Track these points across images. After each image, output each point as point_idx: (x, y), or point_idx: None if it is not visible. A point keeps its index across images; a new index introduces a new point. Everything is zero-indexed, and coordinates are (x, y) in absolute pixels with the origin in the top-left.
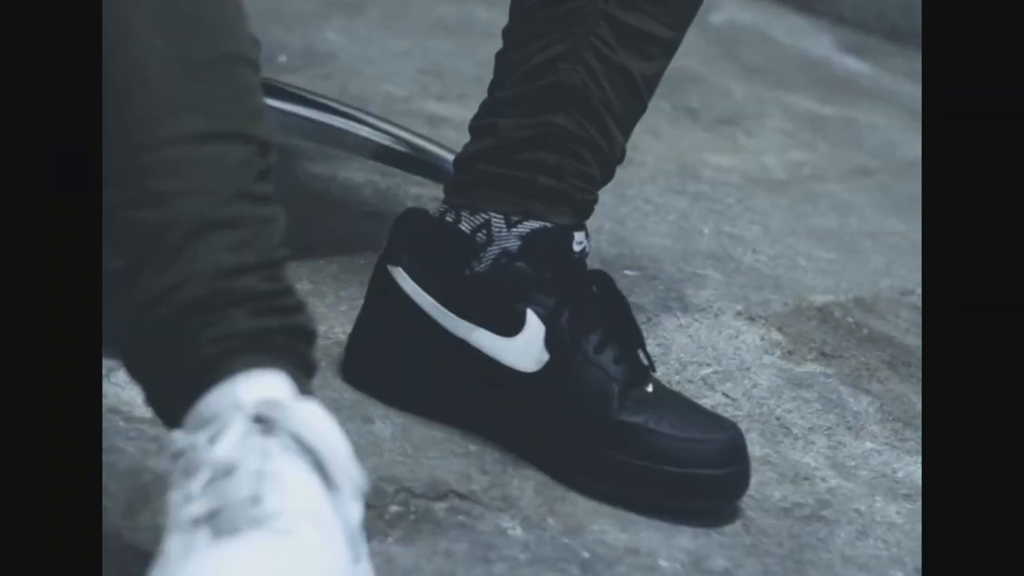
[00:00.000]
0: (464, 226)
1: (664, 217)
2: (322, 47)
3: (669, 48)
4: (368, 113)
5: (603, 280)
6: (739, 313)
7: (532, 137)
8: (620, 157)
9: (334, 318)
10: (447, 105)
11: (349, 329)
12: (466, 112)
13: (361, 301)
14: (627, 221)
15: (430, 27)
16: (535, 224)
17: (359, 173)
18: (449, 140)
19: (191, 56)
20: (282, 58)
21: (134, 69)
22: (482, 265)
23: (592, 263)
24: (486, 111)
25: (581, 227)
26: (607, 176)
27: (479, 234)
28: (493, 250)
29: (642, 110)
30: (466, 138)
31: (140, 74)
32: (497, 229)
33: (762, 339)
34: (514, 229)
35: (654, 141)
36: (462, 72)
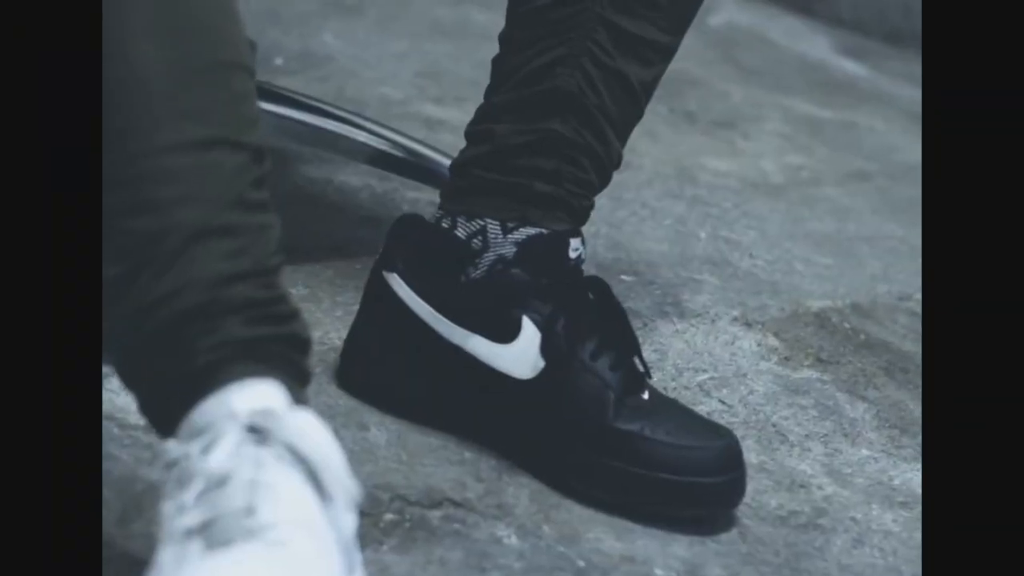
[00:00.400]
0: (460, 232)
1: (661, 222)
2: (319, 49)
3: (667, 53)
4: (364, 117)
5: (599, 287)
6: (735, 319)
7: (529, 143)
8: (617, 163)
9: (329, 323)
10: (444, 108)
11: (345, 335)
12: (463, 115)
13: (357, 306)
14: (624, 226)
15: (427, 29)
16: (531, 230)
17: (355, 177)
18: (446, 144)
19: (188, 62)
20: (279, 60)
21: (131, 76)
22: (478, 271)
23: (588, 268)
24: (482, 116)
25: (577, 233)
26: (604, 182)
27: (475, 240)
28: (489, 256)
29: (639, 115)
30: (463, 142)
31: (137, 81)
32: (493, 235)
33: (759, 345)
34: (510, 235)
35: (652, 144)
36: (459, 75)
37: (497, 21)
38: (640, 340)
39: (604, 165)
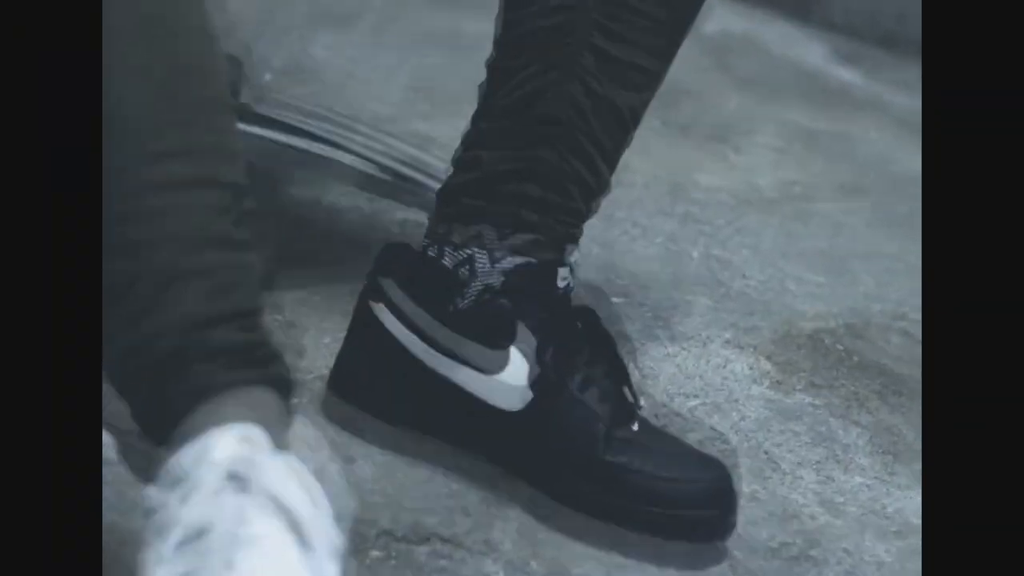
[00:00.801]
0: (447, 261)
1: (652, 240)
2: (309, 63)
3: (655, 78)
4: (354, 132)
5: (588, 316)
6: (728, 341)
7: (516, 171)
8: (605, 190)
9: (316, 352)
10: (433, 124)
11: (331, 363)
12: (452, 132)
13: (344, 333)
14: (615, 245)
15: (419, 40)
16: (518, 259)
17: (344, 198)
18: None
19: (169, 101)
20: (267, 76)
21: (110, 114)
22: (465, 301)
23: (579, 289)
24: (470, 143)
25: (565, 262)
26: (592, 209)
27: (462, 269)
28: (476, 286)
29: (628, 141)
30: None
31: (116, 119)
32: (480, 264)
33: (751, 368)
34: (497, 265)
35: (644, 159)
36: (449, 89)
37: (489, 30)
38: (630, 365)
39: (592, 193)
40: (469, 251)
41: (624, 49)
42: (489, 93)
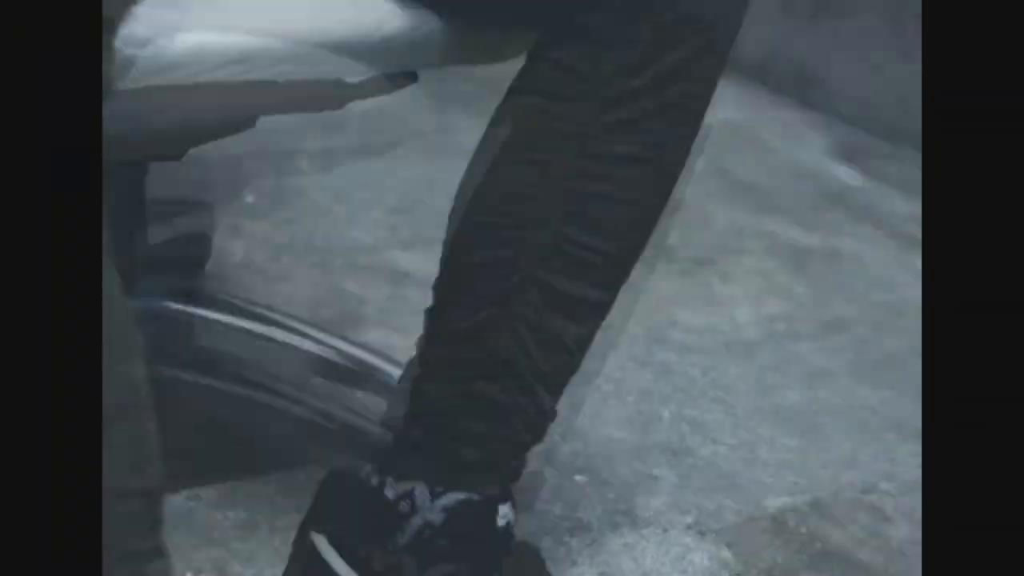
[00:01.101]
0: (389, 493)
1: (623, 399)
2: (291, 182)
3: (603, 309)
4: (307, 323)
5: (530, 554)
6: (689, 526)
7: (459, 405)
8: (552, 417)
9: (264, 558)
10: (412, 255)
11: (279, 572)
12: (430, 263)
13: (294, 533)
14: (584, 406)
15: (407, 149)
16: (460, 495)
17: (303, 375)
18: (410, 299)
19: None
20: (249, 198)
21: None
22: (405, 537)
23: (543, 463)
24: (412, 373)
25: (507, 497)
26: (537, 439)
27: (403, 503)
28: (416, 521)
29: (576, 368)
30: (427, 298)
31: None
32: (421, 499)
33: (710, 559)
34: (438, 500)
35: (624, 292)
36: (432, 207)
37: (482, 128)
38: (587, 558)
39: (536, 424)
40: (410, 484)
41: (569, 282)
42: (434, 319)
